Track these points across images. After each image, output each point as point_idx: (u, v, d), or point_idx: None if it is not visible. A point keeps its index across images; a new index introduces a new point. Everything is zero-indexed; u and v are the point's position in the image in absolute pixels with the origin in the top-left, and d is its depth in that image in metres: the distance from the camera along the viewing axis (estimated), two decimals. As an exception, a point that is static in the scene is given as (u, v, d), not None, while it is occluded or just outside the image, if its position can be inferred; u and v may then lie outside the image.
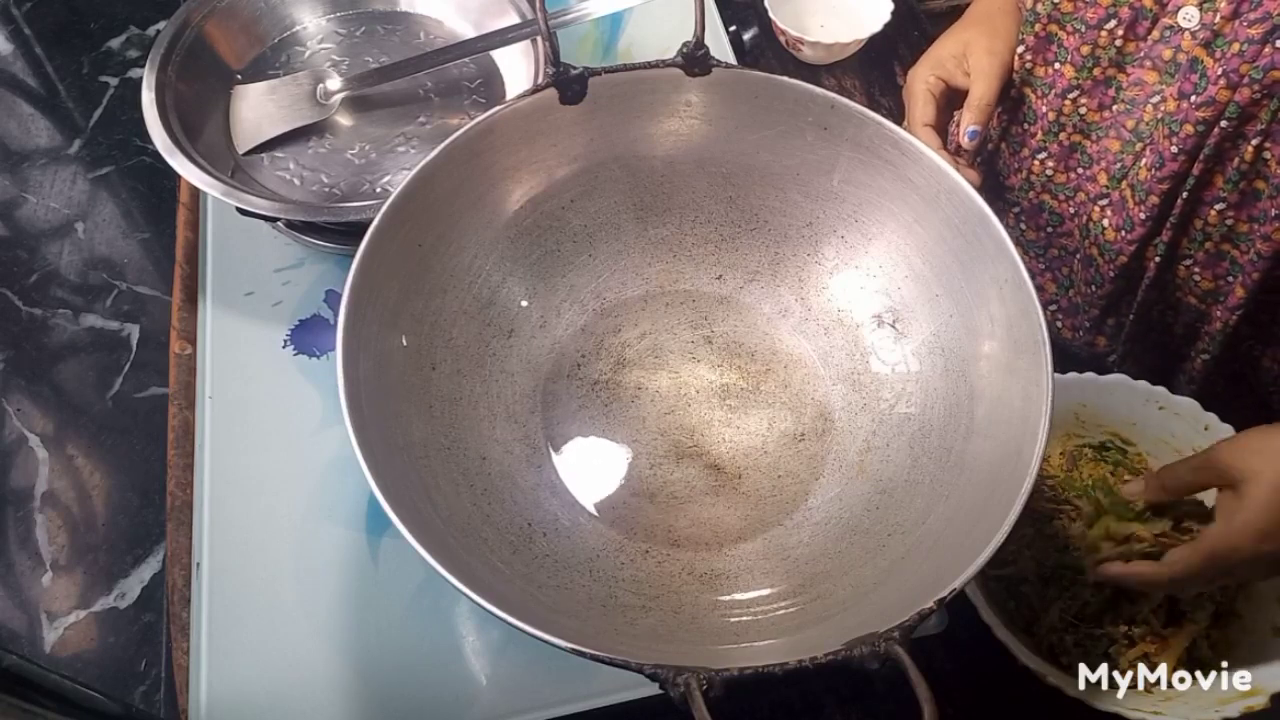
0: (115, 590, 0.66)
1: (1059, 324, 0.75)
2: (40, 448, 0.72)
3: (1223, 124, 0.54)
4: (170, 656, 0.59)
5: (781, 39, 0.86)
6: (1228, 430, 0.60)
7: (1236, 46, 0.53)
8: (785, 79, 0.55)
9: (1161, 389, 0.62)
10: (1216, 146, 0.56)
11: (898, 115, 0.76)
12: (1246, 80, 0.53)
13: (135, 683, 0.63)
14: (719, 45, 0.83)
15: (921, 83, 0.67)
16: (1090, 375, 0.63)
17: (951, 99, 0.68)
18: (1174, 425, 0.62)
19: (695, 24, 0.54)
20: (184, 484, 0.63)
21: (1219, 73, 0.54)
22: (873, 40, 0.85)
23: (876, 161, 0.56)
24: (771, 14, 0.84)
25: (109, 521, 0.69)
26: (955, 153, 0.66)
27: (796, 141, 0.57)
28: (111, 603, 0.66)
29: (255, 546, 0.60)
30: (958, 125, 0.69)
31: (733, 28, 0.89)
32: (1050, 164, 0.67)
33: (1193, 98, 0.55)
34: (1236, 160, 0.56)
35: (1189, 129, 0.56)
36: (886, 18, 0.83)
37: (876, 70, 0.87)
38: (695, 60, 0.55)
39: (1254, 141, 0.54)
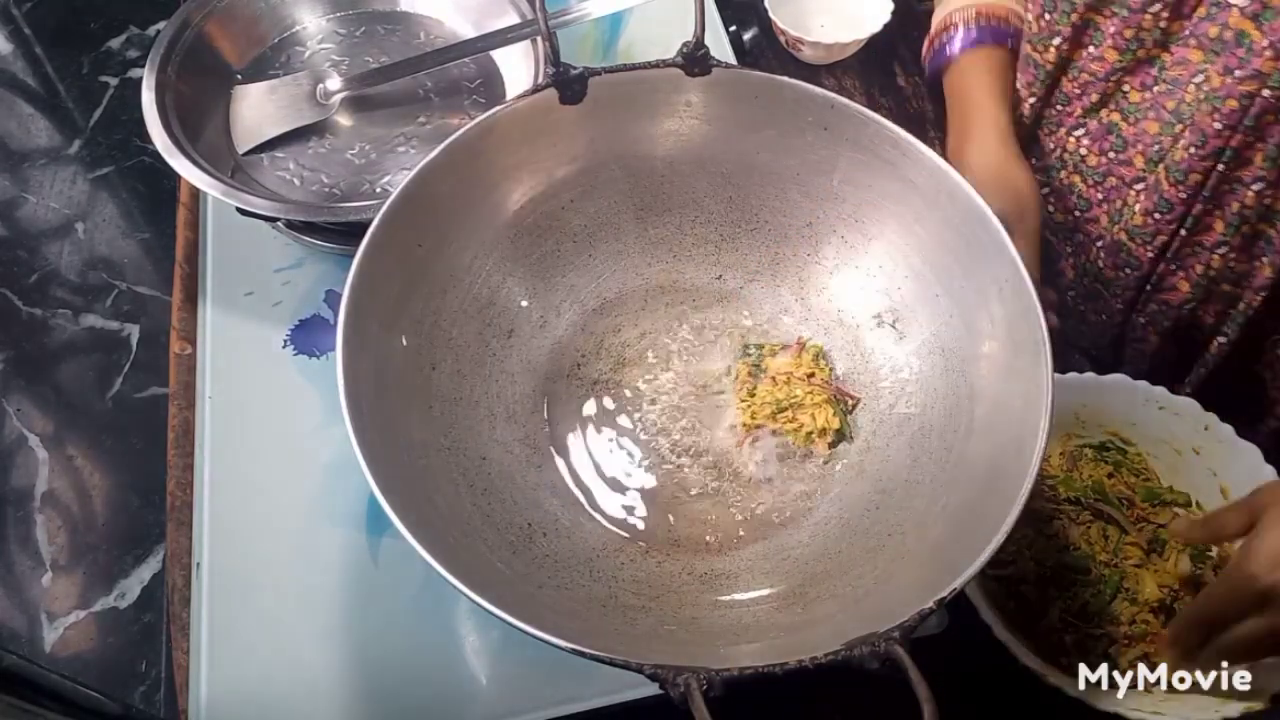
0: (115, 590, 0.66)
1: (1081, 308, 0.74)
2: (40, 448, 0.72)
3: (1265, 94, 0.53)
4: (170, 656, 0.59)
5: (781, 39, 0.86)
6: (1227, 430, 0.60)
7: None
8: (785, 79, 0.55)
9: (1161, 389, 0.62)
10: (1256, 119, 0.54)
11: (898, 115, 0.77)
12: None
13: (135, 683, 0.63)
14: (719, 45, 0.83)
15: None
16: (1090, 375, 0.63)
17: None
18: (1174, 425, 0.62)
19: (695, 24, 0.54)
20: (184, 484, 0.63)
21: (1264, 44, 0.53)
22: (873, 40, 0.84)
23: (876, 161, 0.56)
24: (771, 14, 0.84)
25: (109, 521, 0.69)
26: None
27: (796, 141, 0.57)
28: (111, 603, 0.66)
29: (255, 546, 0.60)
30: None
31: (733, 28, 0.89)
32: (1085, 142, 0.67)
33: (1237, 72, 0.54)
34: (1278, 134, 0.55)
35: (1233, 104, 0.55)
36: (886, 18, 0.83)
37: (876, 70, 0.87)
38: (695, 60, 0.55)
39: None
